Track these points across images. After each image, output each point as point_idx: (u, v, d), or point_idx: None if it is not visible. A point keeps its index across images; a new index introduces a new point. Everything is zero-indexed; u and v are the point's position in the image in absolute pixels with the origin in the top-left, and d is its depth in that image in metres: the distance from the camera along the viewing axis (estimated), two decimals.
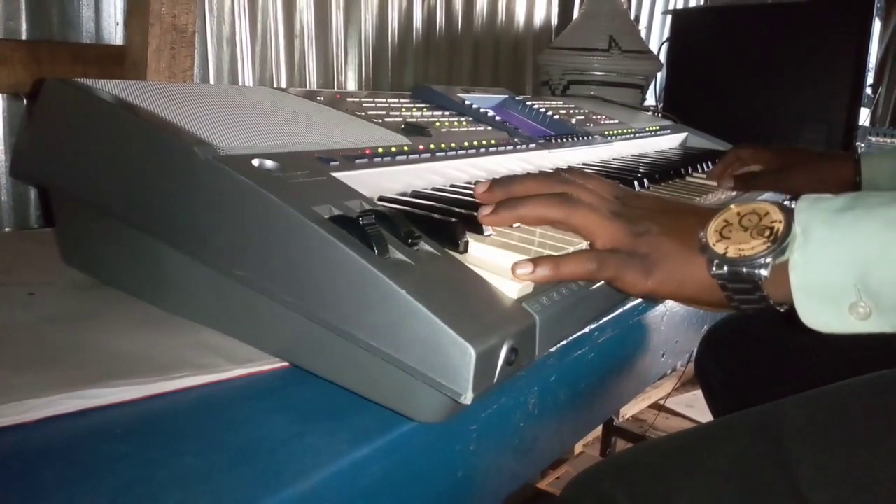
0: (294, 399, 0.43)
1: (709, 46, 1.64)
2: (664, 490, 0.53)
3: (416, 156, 0.64)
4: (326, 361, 0.44)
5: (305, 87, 1.25)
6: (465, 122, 0.82)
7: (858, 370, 0.56)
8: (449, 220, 0.49)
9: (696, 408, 2.26)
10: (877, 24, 1.47)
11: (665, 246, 0.47)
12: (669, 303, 0.71)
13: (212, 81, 1.09)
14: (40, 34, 0.88)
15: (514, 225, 0.54)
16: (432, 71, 1.53)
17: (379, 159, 0.59)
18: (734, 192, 0.91)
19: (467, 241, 0.48)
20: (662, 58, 1.68)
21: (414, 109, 0.80)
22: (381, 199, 0.57)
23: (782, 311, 0.44)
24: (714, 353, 0.98)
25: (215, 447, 0.37)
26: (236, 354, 0.47)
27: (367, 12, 1.35)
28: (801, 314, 0.43)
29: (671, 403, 2.27)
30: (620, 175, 0.82)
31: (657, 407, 2.25)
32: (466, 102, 0.88)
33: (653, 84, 1.69)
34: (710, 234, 0.45)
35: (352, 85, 1.35)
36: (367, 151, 0.58)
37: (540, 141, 0.84)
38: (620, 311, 0.62)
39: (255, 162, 0.47)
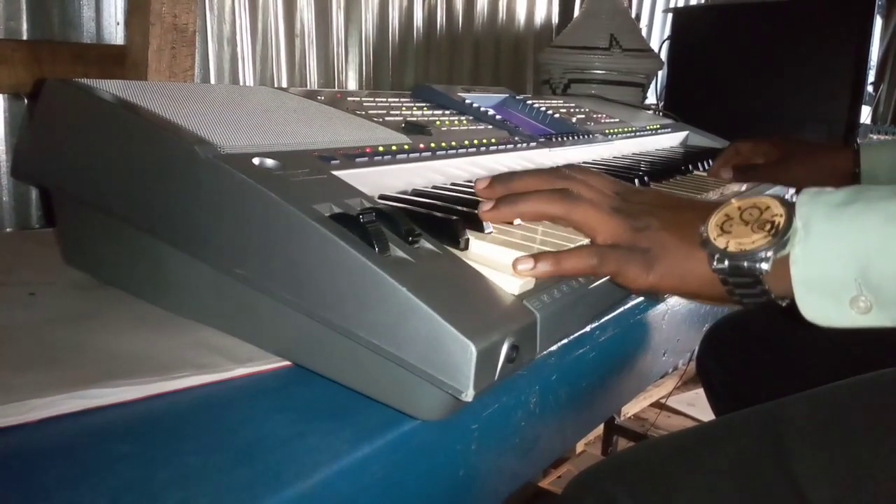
0: (295, 398, 0.43)
1: (710, 45, 1.64)
2: (665, 489, 0.53)
3: (417, 154, 0.64)
4: (327, 360, 0.44)
5: (306, 86, 1.25)
6: (465, 121, 0.82)
7: (859, 369, 0.56)
8: (450, 218, 0.49)
9: (697, 406, 2.26)
10: (878, 22, 1.47)
11: (666, 241, 0.46)
12: (670, 301, 0.71)
13: (212, 81, 1.09)
14: (41, 34, 0.88)
15: (515, 222, 0.54)
16: (433, 70, 1.53)
17: (379, 158, 0.59)
18: (734, 188, 0.91)
19: (468, 239, 0.48)
20: (663, 56, 1.68)
21: (414, 108, 0.80)
22: (381, 197, 0.57)
23: (783, 305, 0.44)
24: (715, 352, 0.98)
25: (216, 447, 0.37)
26: (237, 354, 0.47)
27: (367, 11, 1.35)
28: (802, 308, 0.42)
29: (672, 402, 2.27)
30: (621, 174, 0.82)
31: (658, 406, 2.25)
32: (467, 101, 0.88)
33: (654, 82, 1.69)
34: (711, 229, 0.45)
35: (352, 84, 1.35)
36: (368, 150, 0.58)
37: (541, 140, 0.84)
38: (621, 309, 0.62)
39: (256, 161, 0.47)
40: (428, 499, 0.44)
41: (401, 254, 0.41)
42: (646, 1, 2.22)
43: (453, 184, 0.67)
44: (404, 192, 0.60)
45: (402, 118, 0.73)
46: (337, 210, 0.43)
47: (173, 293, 0.53)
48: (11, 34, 0.86)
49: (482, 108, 0.87)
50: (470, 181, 0.69)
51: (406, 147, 0.63)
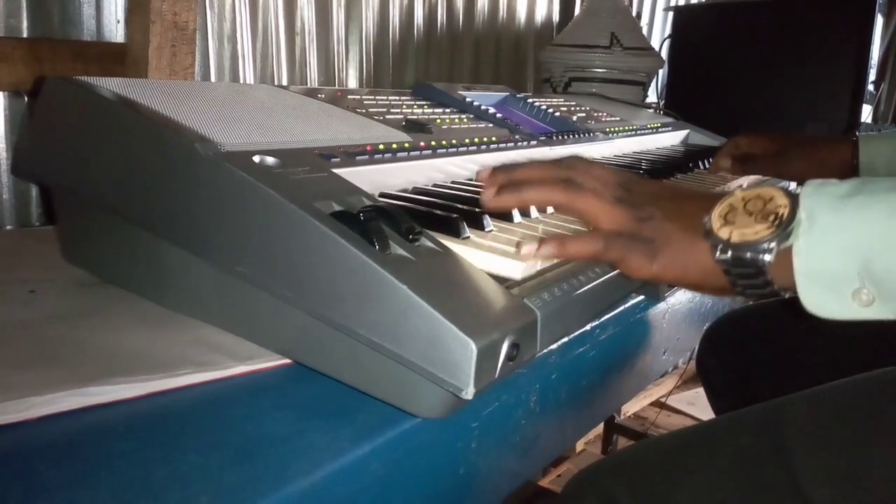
0: (295, 396, 0.43)
1: (710, 43, 1.64)
2: (665, 488, 0.53)
3: (417, 152, 0.64)
4: (327, 358, 0.44)
5: (306, 84, 1.25)
6: (465, 120, 0.82)
7: (860, 368, 0.56)
8: (450, 216, 0.49)
9: (697, 405, 2.25)
10: (879, 21, 1.47)
11: (669, 231, 0.46)
12: (671, 300, 0.71)
13: (213, 79, 1.09)
14: (41, 32, 0.88)
15: (516, 220, 0.53)
16: (433, 68, 1.53)
17: (380, 156, 0.59)
18: (735, 186, 0.91)
19: (468, 238, 0.48)
20: (664, 55, 1.68)
21: (415, 107, 0.80)
22: (382, 195, 0.57)
23: (786, 297, 0.44)
24: (715, 351, 0.98)
25: (216, 445, 0.37)
26: (237, 352, 0.47)
27: (368, 10, 1.35)
28: (804, 300, 0.42)
29: (672, 401, 2.27)
30: None
31: (658, 405, 2.25)
32: (467, 100, 0.88)
33: (654, 81, 1.69)
34: (715, 219, 0.45)
35: (353, 82, 1.35)
36: (368, 148, 0.58)
37: (541, 138, 0.84)
38: (622, 308, 0.62)
39: (256, 158, 0.47)
40: (428, 497, 0.44)
41: (401, 252, 0.41)
42: None
43: (454, 182, 0.67)
44: (405, 191, 0.60)
45: (402, 116, 0.73)
46: (337, 208, 0.43)
47: (173, 291, 0.53)
48: (12, 32, 0.86)
49: (483, 107, 0.87)
50: (470, 179, 0.69)
51: (406, 145, 0.63)
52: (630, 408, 2.25)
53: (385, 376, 0.41)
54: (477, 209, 0.53)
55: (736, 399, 0.90)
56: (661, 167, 0.90)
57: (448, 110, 0.84)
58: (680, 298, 0.73)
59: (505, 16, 1.71)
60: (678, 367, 2.12)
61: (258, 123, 0.55)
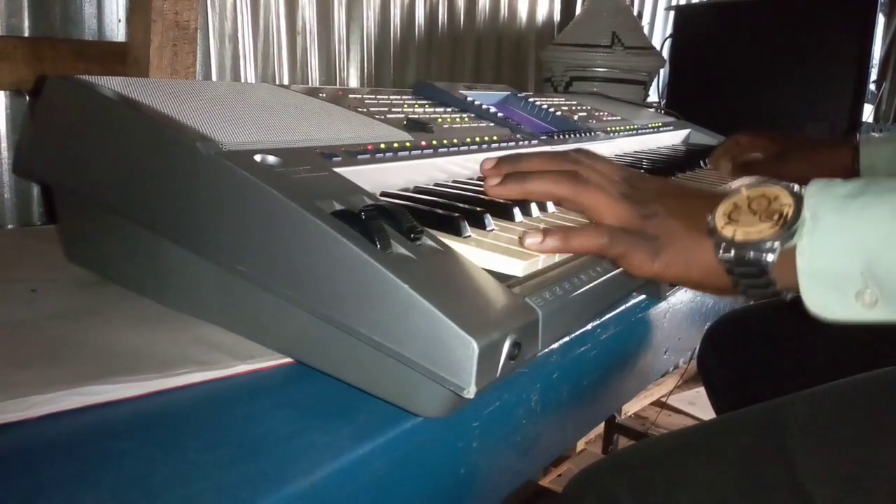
0: (296, 395, 0.43)
1: (712, 43, 1.64)
2: (666, 487, 0.53)
3: (419, 152, 0.64)
4: (329, 357, 0.44)
5: (307, 83, 1.25)
6: (467, 119, 0.82)
7: (860, 368, 0.56)
8: (451, 215, 0.49)
9: (698, 405, 2.25)
10: (880, 20, 1.47)
11: (673, 228, 0.46)
12: (672, 300, 0.71)
13: (214, 78, 1.09)
14: (42, 31, 0.88)
15: (517, 219, 0.53)
16: (434, 67, 1.53)
17: (381, 155, 0.59)
18: (736, 185, 0.91)
19: (470, 237, 0.48)
20: (665, 54, 1.68)
21: (416, 106, 0.80)
22: (383, 194, 0.57)
23: (788, 298, 0.44)
24: (716, 351, 0.98)
25: (218, 444, 0.37)
26: (239, 351, 0.47)
27: (369, 9, 1.35)
28: (807, 301, 0.42)
29: (673, 401, 2.27)
30: None
31: (659, 404, 2.25)
32: (468, 99, 0.88)
33: (655, 80, 1.68)
34: (719, 218, 0.44)
35: (354, 81, 1.35)
36: (370, 147, 0.58)
37: (542, 137, 0.84)
38: (623, 307, 0.62)
39: (258, 157, 0.47)
40: (429, 496, 0.44)
41: (403, 251, 0.41)
42: None
43: (455, 181, 0.67)
44: (406, 190, 0.60)
45: (403, 115, 0.73)
46: (339, 207, 0.43)
47: (175, 290, 0.53)
48: (13, 31, 0.86)
49: (484, 106, 0.87)
50: (472, 178, 0.69)
51: (408, 144, 0.63)
52: (631, 407, 2.25)
53: (386, 375, 0.41)
54: (478, 208, 0.53)
55: (736, 399, 0.90)
56: (663, 166, 0.90)
57: (449, 109, 0.84)
58: (681, 298, 0.73)
59: (506, 15, 1.71)
60: (679, 367, 2.11)
61: (259, 123, 0.55)
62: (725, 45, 1.61)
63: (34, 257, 0.66)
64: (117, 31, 0.96)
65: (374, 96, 0.78)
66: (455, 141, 0.69)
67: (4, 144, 0.87)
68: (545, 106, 0.99)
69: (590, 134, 0.95)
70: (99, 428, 0.38)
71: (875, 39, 1.45)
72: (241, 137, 0.49)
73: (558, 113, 0.98)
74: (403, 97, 0.83)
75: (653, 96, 1.75)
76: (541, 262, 0.47)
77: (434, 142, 0.67)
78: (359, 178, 0.50)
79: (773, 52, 1.54)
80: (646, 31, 1.96)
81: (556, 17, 1.89)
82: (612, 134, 1.02)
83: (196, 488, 0.33)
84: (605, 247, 0.46)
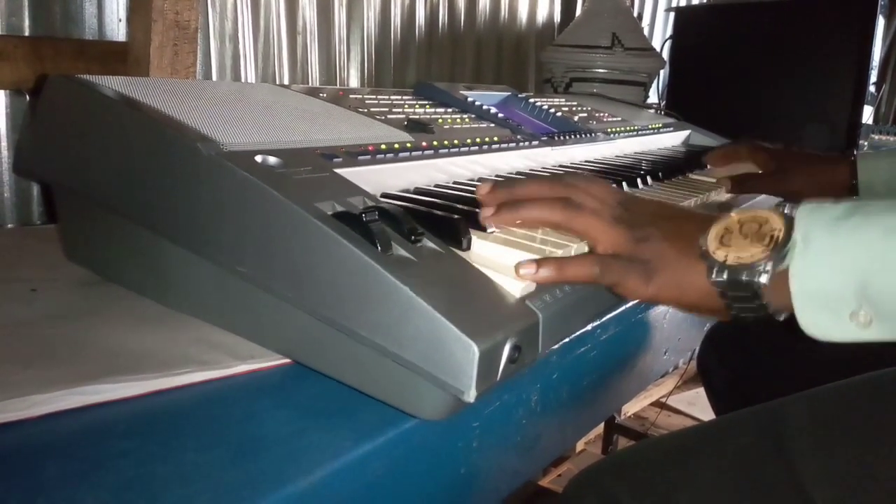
0: (296, 396, 0.43)
1: (712, 44, 1.64)
2: (665, 488, 0.53)
3: (419, 153, 0.64)
4: (328, 358, 0.44)
5: (308, 83, 1.25)
6: (467, 120, 0.82)
7: (860, 369, 0.56)
8: (452, 217, 0.48)
9: (697, 406, 2.25)
10: (880, 22, 1.47)
11: (666, 252, 0.46)
12: None
13: (214, 78, 1.09)
14: (43, 30, 0.88)
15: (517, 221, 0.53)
16: (435, 68, 1.53)
17: (382, 156, 0.59)
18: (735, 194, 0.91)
19: (470, 238, 0.48)
20: (665, 55, 1.68)
21: (416, 106, 0.80)
22: (383, 195, 0.57)
23: (781, 319, 0.44)
24: (716, 351, 0.98)
25: (217, 443, 0.37)
26: (238, 351, 0.47)
27: (369, 9, 1.35)
28: (801, 322, 0.42)
29: (673, 401, 2.27)
30: (623, 173, 0.82)
31: (659, 405, 2.25)
32: (469, 100, 0.88)
33: (655, 81, 1.68)
34: (711, 241, 0.45)
35: (354, 82, 1.35)
36: (370, 148, 0.58)
37: (542, 138, 0.84)
38: (623, 308, 0.62)
39: (258, 158, 0.47)
40: (429, 497, 0.44)
41: (403, 253, 0.41)
42: (648, 0, 2.22)
43: (455, 182, 0.67)
44: (406, 191, 0.60)
45: (404, 116, 0.73)
46: (339, 208, 0.43)
47: (174, 290, 0.53)
48: (13, 30, 0.86)
49: (484, 107, 0.87)
50: (472, 179, 0.69)
51: (408, 145, 0.63)
52: (630, 408, 2.26)
53: (386, 378, 0.41)
54: (478, 209, 0.53)
55: (736, 399, 0.90)
56: (662, 168, 0.90)
57: (450, 110, 0.84)
58: None
59: (506, 16, 1.71)
60: (679, 368, 2.12)
61: (260, 123, 0.55)
62: (725, 47, 1.61)
63: (34, 257, 0.66)
64: (118, 30, 0.96)
65: (374, 97, 0.78)
66: (456, 141, 0.69)
67: (4, 144, 0.87)
68: (546, 107, 0.99)
69: (590, 135, 0.95)
70: (99, 428, 0.38)
71: (875, 41, 1.45)
72: (241, 138, 0.49)
73: (559, 114, 0.98)
74: (404, 97, 0.83)
75: (653, 97, 1.75)
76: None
77: (435, 142, 0.67)
78: (359, 178, 0.50)
79: (773, 53, 1.54)
80: (646, 32, 1.95)
81: (557, 18, 1.89)
82: (612, 135, 1.02)
83: (196, 488, 0.33)
84: (597, 276, 0.46)
